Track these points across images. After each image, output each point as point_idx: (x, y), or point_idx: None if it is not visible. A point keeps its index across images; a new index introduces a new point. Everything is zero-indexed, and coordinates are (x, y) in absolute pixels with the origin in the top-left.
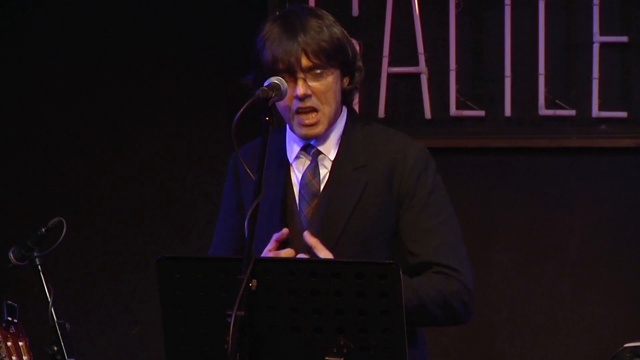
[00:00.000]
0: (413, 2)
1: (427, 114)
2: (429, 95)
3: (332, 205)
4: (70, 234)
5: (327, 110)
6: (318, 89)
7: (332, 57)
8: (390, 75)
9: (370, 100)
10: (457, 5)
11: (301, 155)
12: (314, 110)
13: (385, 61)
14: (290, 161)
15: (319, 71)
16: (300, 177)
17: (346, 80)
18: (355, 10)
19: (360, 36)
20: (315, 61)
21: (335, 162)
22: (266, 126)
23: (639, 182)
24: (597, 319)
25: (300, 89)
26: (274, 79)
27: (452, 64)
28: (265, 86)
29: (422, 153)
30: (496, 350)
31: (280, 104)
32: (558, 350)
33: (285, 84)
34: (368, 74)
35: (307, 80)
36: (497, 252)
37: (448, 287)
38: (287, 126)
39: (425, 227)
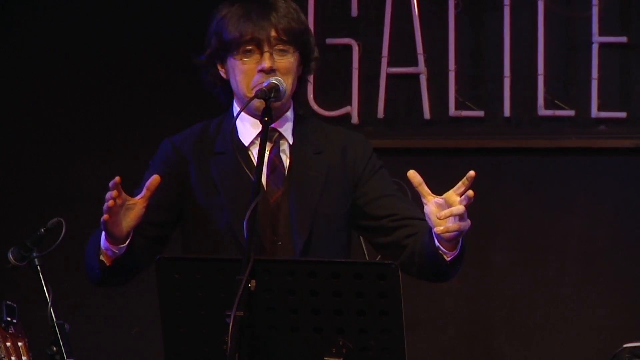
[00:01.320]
0: (412, 3)
1: (427, 114)
2: (428, 95)
3: (301, 188)
4: (69, 234)
5: (286, 87)
6: (282, 65)
7: (298, 38)
8: (389, 76)
9: (369, 101)
10: (457, 6)
11: (257, 140)
12: None
13: (384, 61)
14: (247, 144)
15: (285, 47)
16: (264, 161)
17: (300, 69)
18: (354, 11)
19: (360, 37)
20: (284, 37)
21: (294, 147)
22: (266, 126)
23: (638, 182)
24: (597, 319)
25: (267, 62)
26: (273, 79)
27: (452, 65)
28: (265, 86)
29: (367, 142)
30: (495, 350)
31: (238, 78)
32: (557, 351)
33: (284, 83)
34: (367, 74)
35: (273, 55)
36: (496, 252)
37: None
38: (237, 110)
39: (389, 193)
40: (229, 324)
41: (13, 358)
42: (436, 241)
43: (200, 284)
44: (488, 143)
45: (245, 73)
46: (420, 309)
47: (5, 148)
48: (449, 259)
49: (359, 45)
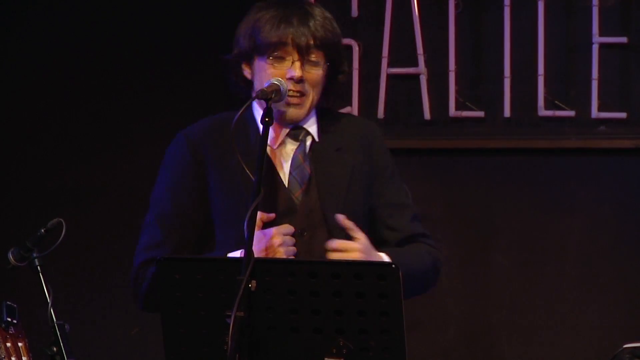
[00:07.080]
0: (412, 3)
1: (427, 115)
2: (428, 96)
3: (326, 188)
4: (69, 234)
5: (312, 97)
6: (311, 77)
7: (331, 49)
8: (389, 76)
9: (369, 101)
10: (457, 6)
11: (286, 140)
12: (302, 94)
13: (384, 62)
14: (274, 147)
15: (317, 59)
16: (289, 160)
17: (326, 80)
18: (354, 11)
19: (360, 37)
20: (320, 47)
21: (316, 145)
22: (266, 126)
23: (638, 183)
24: (597, 319)
25: (298, 71)
26: (274, 80)
27: (452, 65)
28: (265, 87)
29: (379, 130)
30: (496, 351)
31: (264, 81)
32: (557, 351)
33: (285, 84)
34: (367, 74)
35: (305, 65)
36: (496, 252)
37: (432, 255)
38: (258, 110)
39: (399, 202)
40: (229, 325)
41: (13, 358)
42: None
43: (200, 284)
44: (488, 143)
45: (273, 77)
46: (420, 309)
47: (6, 148)
48: None
49: (359, 45)
